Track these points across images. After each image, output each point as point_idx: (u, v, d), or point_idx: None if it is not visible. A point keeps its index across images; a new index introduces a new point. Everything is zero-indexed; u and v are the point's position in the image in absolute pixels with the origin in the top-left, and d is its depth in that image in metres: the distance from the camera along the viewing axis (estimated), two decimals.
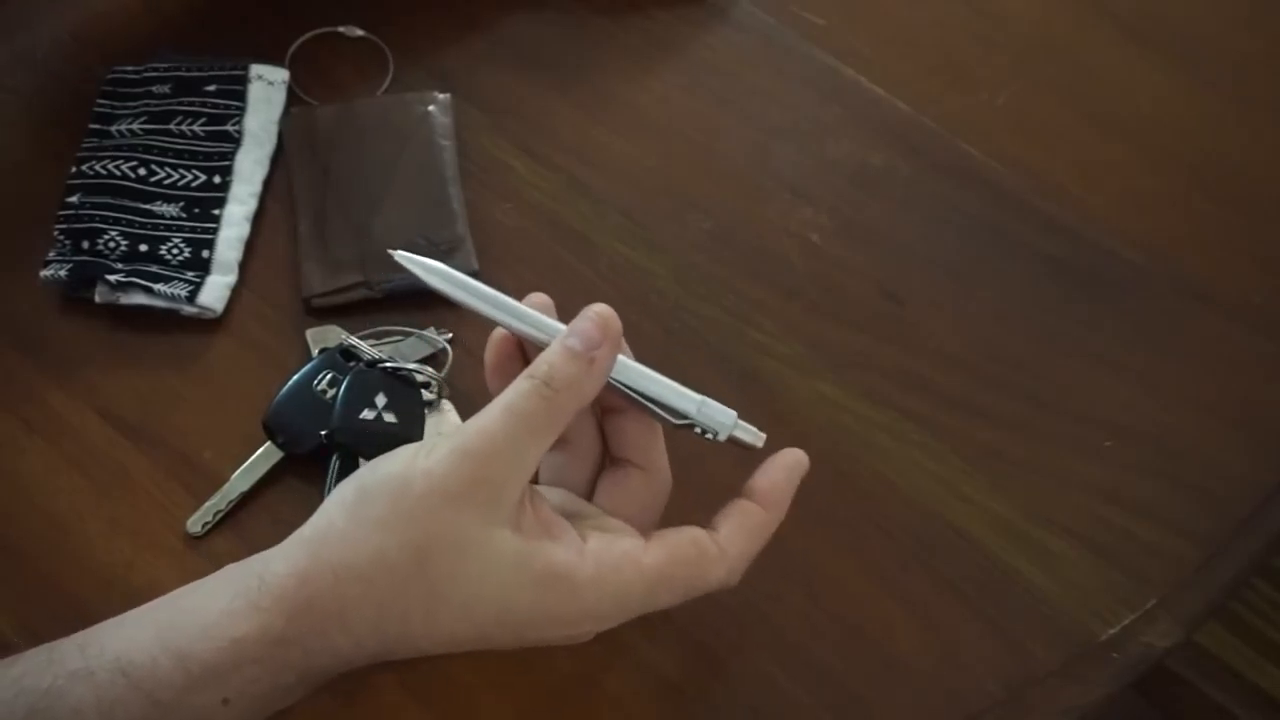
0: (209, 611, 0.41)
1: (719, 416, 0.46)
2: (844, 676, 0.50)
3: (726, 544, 0.44)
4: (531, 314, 0.46)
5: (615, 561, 0.43)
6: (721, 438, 0.46)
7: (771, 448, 0.55)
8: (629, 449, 0.47)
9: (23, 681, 0.41)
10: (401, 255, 0.47)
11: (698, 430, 0.46)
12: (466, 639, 0.43)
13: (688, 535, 0.44)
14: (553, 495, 0.47)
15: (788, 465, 0.47)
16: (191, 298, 0.57)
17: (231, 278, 0.58)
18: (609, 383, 0.45)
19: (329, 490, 0.51)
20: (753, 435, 0.47)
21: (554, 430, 0.43)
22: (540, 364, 0.43)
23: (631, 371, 0.46)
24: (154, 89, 0.63)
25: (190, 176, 0.61)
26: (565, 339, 0.43)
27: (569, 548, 0.42)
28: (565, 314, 0.46)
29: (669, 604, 0.44)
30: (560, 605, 0.42)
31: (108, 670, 0.40)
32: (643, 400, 0.46)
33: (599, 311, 0.44)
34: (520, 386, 0.42)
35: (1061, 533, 0.54)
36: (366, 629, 0.41)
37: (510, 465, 0.41)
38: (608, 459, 0.48)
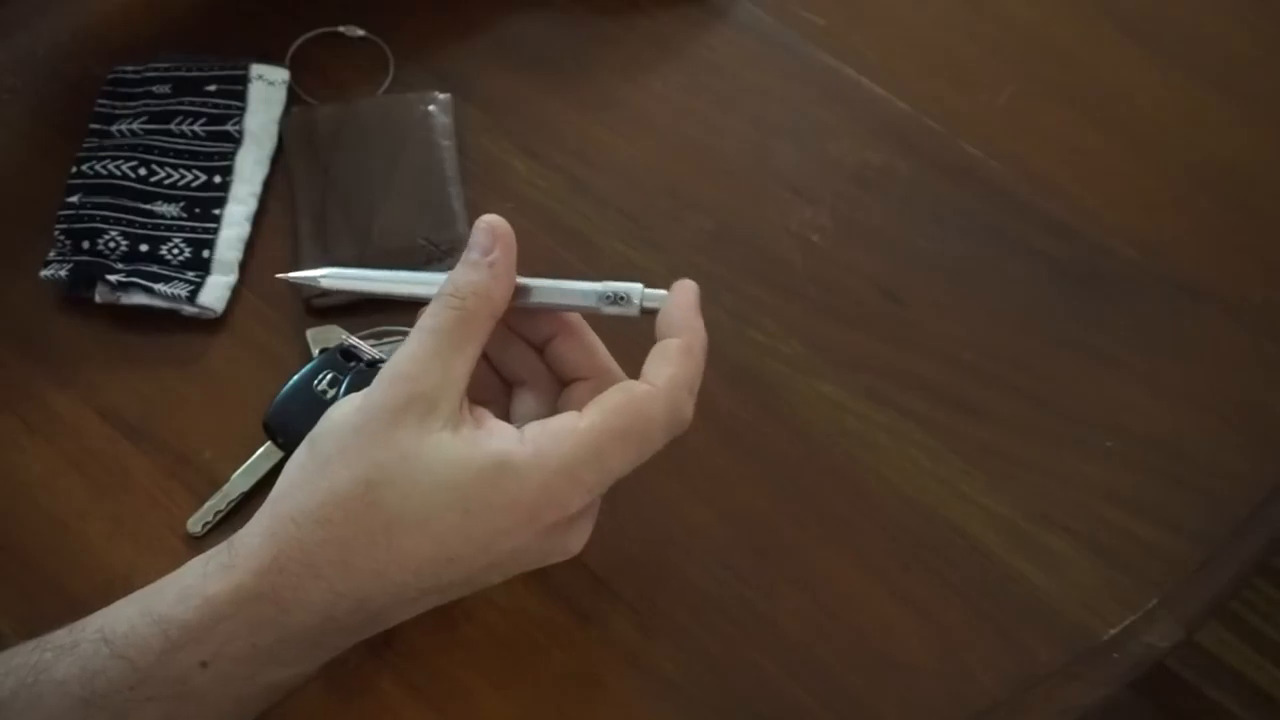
0: (186, 579, 0.42)
1: (625, 285, 0.47)
2: (844, 676, 0.50)
3: (653, 377, 0.45)
4: (438, 276, 0.47)
5: (552, 434, 0.43)
6: (634, 308, 0.47)
7: (772, 449, 0.56)
8: (572, 367, 0.48)
9: (12, 661, 0.42)
10: (283, 276, 0.50)
11: (609, 299, 0.47)
12: (436, 563, 0.42)
13: (615, 387, 0.45)
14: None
15: (676, 296, 0.47)
16: (192, 298, 0.57)
17: (232, 278, 0.59)
18: (526, 304, 0.47)
19: None
20: (660, 299, 0.47)
21: (473, 338, 0.44)
22: (446, 283, 0.45)
23: (538, 285, 0.47)
24: (154, 89, 0.63)
25: (190, 176, 0.61)
26: (465, 255, 0.46)
27: (507, 437, 0.43)
28: None
29: (625, 462, 0.44)
30: (512, 493, 0.42)
31: (91, 641, 0.41)
32: (555, 291, 0.47)
33: (488, 221, 0.46)
34: (432, 307, 0.44)
35: (1061, 533, 0.54)
36: (335, 571, 0.41)
37: (438, 378, 0.43)
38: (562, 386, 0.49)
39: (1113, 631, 0.51)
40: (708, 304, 0.59)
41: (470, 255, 0.45)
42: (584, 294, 0.47)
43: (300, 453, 0.44)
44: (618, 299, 0.47)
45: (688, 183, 0.63)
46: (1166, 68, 0.68)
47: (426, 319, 0.44)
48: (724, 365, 0.57)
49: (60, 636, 0.42)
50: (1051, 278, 0.61)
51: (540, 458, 0.42)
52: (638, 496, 0.54)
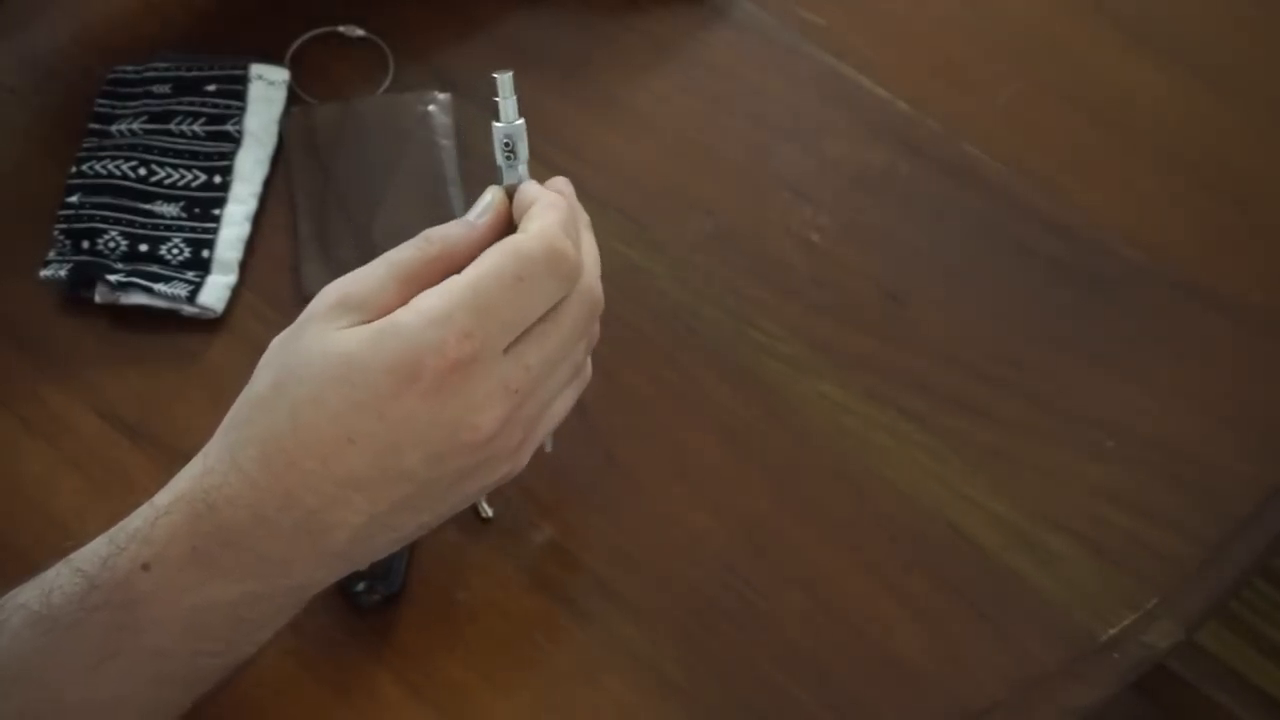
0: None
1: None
2: (844, 676, 0.50)
3: (523, 227, 0.45)
4: None
5: (434, 291, 0.43)
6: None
7: (772, 449, 0.56)
8: None
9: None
10: None
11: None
12: (338, 443, 0.42)
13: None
14: None
15: (532, 186, 0.48)
16: (192, 298, 0.57)
17: (232, 278, 0.59)
18: None
19: None
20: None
21: (421, 278, 0.44)
22: (431, 230, 0.46)
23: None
24: (154, 89, 0.63)
25: (190, 176, 0.61)
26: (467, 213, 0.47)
27: (397, 311, 0.43)
28: None
29: (510, 304, 0.43)
30: (391, 352, 0.42)
31: (58, 565, 0.43)
32: None
33: (495, 192, 0.48)
34: (405, 244, 0.46)
35: (1062, 533, 0.54)
36: (254, 465, 0.42)
37: (366, 295, 0.44)
38: None
39: (1113, 631, 0.51)
40: (708, 304, 0.59)
41: (468, 214, 0.47)
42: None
43: None
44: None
45: (688, 183, 0.63)
46: (1166, 68, 0.68)
47: (392, 251, 0.45)
48: (724, 365, 0.57)
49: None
50: (1051, 278, 0.61)
51: (418, 314, 0.42)
52: (637, 496, 0.54)
